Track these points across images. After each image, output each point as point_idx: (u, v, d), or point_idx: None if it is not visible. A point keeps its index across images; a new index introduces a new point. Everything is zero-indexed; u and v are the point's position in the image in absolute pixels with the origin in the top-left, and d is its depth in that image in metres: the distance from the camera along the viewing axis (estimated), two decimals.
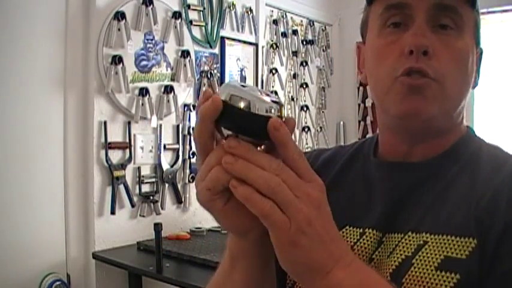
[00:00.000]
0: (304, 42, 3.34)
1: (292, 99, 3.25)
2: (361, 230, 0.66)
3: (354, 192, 0.71)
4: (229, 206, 0.48)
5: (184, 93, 2.46)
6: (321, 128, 3.49)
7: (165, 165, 2.37)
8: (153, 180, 2.33)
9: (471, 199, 0.60)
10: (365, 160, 0.74)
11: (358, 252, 0.65)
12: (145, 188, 2.30)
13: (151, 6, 2.27)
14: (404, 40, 0.62)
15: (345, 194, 0.71)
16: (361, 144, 0.79)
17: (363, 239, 0.65)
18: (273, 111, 0.45)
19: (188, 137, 2.47)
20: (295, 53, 3.27)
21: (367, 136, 3.54)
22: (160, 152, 2.35)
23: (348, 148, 0.79)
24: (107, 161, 2.14)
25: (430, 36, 0.61)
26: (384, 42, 0.65)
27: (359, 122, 3.58)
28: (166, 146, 2.38)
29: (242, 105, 0.44)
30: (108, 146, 2.14)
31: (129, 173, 2.23)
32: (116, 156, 2.19)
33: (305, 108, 3.34)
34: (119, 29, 2.15)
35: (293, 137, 0.50)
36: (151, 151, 2.33)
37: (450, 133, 0.67)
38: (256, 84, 2.95)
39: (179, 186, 2.43)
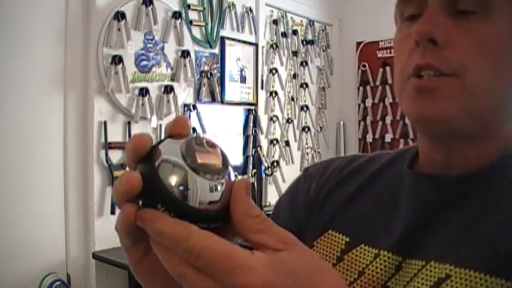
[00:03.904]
0: (304, 42, 3.35)
1: (292, 99, 3.25)
2: (376, 251, 0.56)
3: (378, 204, 0.60)
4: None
5: (184, 93, 2.46)
6: (321, 128, 3.49)
7: None
8: None
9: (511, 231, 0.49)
10: (400, 169, 0.62)
11: (369, 276, 0.55)
12: None
13: (151, 6, 2.27)
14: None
15: (366, 205, 0.61)
16: (402, 151, 0.66)
17: (376, 262, 0.55)
18: (219, 188, 0.35)
19: None
20: (295, 53, 3.27)
21: (367, 136, 3.55)
22: None
23: (388, 155, 0.67)
24: (107, 161, 2.14)
25: (444, 21, 0.50)
26: (400, 37, 0.56)
27: (359, 122, 3.58)
28: None
29: (174, 182, 0.34)
30: (108, 146, 2.15)
31: None
32: (116, 156, 2.20)
33: (305, 108, 3.34)
34: (119, 29, 2.15)
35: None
36: None
37: (491, 139, 0.54)
38: (256, 84, 2.95)
39: None
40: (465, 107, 0.51)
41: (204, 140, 0.37)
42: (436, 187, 0.55)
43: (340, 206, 0.63)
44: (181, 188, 0.34)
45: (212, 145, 0.37)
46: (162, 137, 0.38)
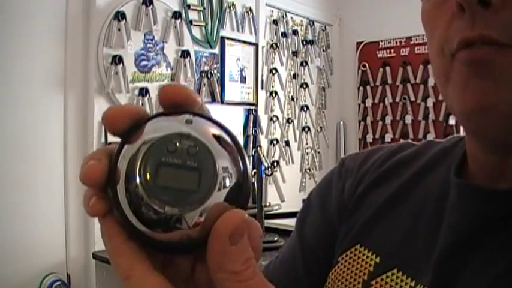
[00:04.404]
0: (304, 42, 3.35)
1: (292, 99, 3.25)
2: (412, 283, 0.44)
3: (419, 216, 0.47)
4: None
5: None
6: (321, 128, 3.49)
7: None
8: None
9: None
10: (447, 171, 0.48)
11: None
12: None
13: (151, 6, 2.27)
14: None
15: (405, 216, 0.49)
16: (455, 142, 0.52)
17: None
18: (188, 219, 0.25)
19: None
20: (295, 53, 3.27)
21: (367, 136, 3.55)
22: None
23: (439, 145, 0.53)
24: None
25: None
26: (431, 3, 0.42)
27: (359, 122, 3.58)
28: None
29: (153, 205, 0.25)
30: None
31: None
32: None
33: (305, 108, 3.34)
34: (119, 29, 2.15)
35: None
36: None
37: None
38: (256, 84, 2.95)
39: None
40: None
41: (191, 137, 0.25)
42: (479, 204, 0.42)
43: (374, 213, 0.51)
44: (134, 208, 0.25)
45: (197, 151, 0.25)
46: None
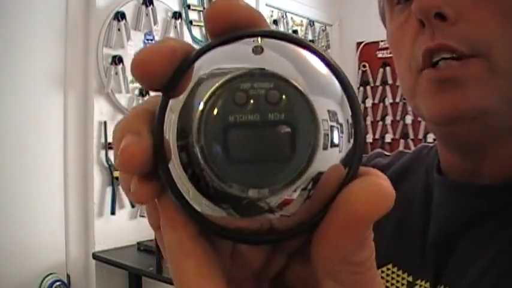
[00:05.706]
0: None
1: None
2: (410, 278, 0.45)
3: (407, 214, 0.49)
4: None
5: None
6: None
7: None
8: None
9: None
10: (427, 173, 0.50)
11: None
12: None
13: (151, 6, 2.27)
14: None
15: (394, 214, 0.46)
16: (426, 151, 0.54)
17: None
18: (279, 201, 0.17)
19: None
20: None
21: (367, 136, 3.54)
22: None
23: (409, 154, 0.56)
24: (107, 161, 2.14)
25: None
26: (395, 26, 0.44)
27: None
28: None
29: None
30: (108, 146, 2.14)
31: None
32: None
33: None
34: (118, 29, 2.15)
35: None
36: None
37: None
38: None
39: None
40: (503, 94, 0.38)
41: (268, 74, 0.17)
42: (465, 199, 0.44)
43: None
44: (199, 192, 0.18)
45: (281, 96, 0.17)
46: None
